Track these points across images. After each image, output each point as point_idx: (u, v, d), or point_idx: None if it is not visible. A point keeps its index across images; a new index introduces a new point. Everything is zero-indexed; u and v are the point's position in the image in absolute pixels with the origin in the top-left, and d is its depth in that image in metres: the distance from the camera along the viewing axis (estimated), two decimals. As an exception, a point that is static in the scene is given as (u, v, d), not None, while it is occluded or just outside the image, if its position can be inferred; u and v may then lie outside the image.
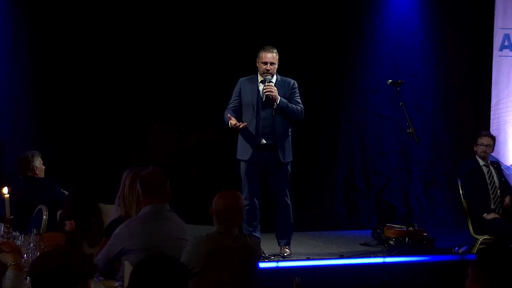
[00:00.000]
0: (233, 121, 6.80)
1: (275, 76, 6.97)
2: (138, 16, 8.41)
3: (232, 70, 8.15)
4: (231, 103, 7.03)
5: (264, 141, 6.89)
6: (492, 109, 8.91)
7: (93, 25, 8.29)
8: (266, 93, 6.80)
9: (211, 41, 8.58)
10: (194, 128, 8.66)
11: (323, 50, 8.86)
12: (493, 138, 7.60)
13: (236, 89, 7.05)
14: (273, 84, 6.85)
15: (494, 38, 8.86)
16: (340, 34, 8.97)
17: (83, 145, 8.35)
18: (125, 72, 8.44)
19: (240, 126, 6.79)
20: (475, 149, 7.55)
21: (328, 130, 8.96)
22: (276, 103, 6.80)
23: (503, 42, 8.85)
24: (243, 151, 6.95)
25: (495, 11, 8.88)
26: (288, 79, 7.03)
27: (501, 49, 8.87)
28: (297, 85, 7.03)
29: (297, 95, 7.00)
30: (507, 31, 8.85)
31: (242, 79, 7.06)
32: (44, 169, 6.78)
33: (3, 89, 8.06)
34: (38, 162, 6.72)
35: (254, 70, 7.03)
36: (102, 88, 8.39)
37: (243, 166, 6.98)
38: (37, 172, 6.69)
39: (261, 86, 6.91)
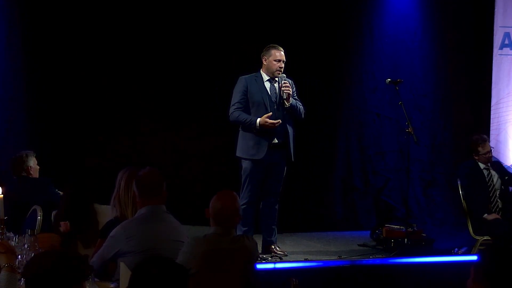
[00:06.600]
0: (269, 120, 6.62)
1: None
2: (135, 14, 8.39)
3: (231, 70, 8.09)
4: (237, 102, 6.79)
5: (276, 140, 6.79)
6: (492, 108, 8.87)
7: (89, 24, 8.26)
8: (286, 92, 6.73)
9: (207, 41, 8.54)
10: (190, 128, 8.62)
11: (322, 49, 8.81)
12: (488, 140, 7.57)
13: (241, 88, 6.82)
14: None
15: (494, 36, 8.83)
16: (338, 33, 8.93)
17: (78, 145, 8.30)
18: (120, 72, 8.42)
19: (276, 124, 6.64)
20: (475, 156, 7.43)
21: (326, 130, 8.92)
22: (289, 102, 6.74)
23: (503, 40, 8.82)
24: (254, 150, 6.75)
25: (495, 9, 8.86)
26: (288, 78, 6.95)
27: (501, 48, 8.84)
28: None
29: (296, 94, 6.94)
30: (507, 30, 8.82)
31: (245, 77, 6.87)
32: (39, 169, 6.74)
33: (-3, 89, 8.02)
34: (33, 162, 6.69)
35: (253, 70, 6.92)
36: (97, 88, 8.36)
37: (248, 165, 6.78)
38: (31, 172, 6.66)
39: (268, 85, 6.83)
